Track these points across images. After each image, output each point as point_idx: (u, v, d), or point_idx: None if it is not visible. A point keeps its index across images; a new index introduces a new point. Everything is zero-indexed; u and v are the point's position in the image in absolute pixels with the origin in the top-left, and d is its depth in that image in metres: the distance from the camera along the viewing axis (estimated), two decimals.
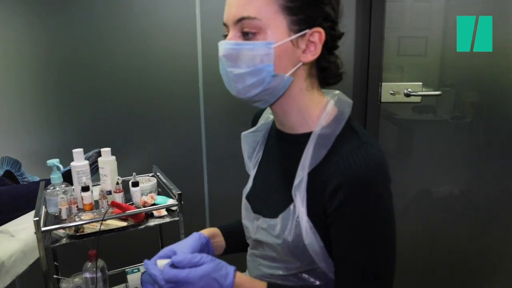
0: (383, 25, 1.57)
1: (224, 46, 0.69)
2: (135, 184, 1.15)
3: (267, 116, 0.89)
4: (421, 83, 1.63)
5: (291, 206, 0.72)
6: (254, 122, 0.93)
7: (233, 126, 1.72)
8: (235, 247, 0.95)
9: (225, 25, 0.71)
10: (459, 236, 1.78)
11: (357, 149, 0.65)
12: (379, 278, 0.68)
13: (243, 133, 0.90)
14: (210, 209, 1.80)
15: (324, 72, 0.73)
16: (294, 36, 0.66)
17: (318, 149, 0.69)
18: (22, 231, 1.18)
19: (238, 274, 0.70)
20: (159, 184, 1.29)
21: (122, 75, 1.63)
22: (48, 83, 1.63)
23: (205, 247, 0.82)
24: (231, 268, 0.69)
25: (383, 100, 1.64)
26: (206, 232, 0.89)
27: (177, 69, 1.64)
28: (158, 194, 1.27)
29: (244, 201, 0.87)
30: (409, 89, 1.62)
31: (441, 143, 1.72)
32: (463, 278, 1.83)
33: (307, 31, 0.66)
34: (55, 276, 1.25)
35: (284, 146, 0.79)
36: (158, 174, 1.33)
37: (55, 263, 1.33)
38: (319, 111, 0.73)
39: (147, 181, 1.26)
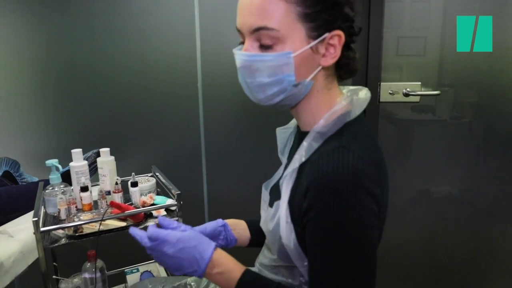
0: (382, 25, 1.57)
1: (241, 57, 0.67)
2: (134, 184, 1.15)
3: None
4: (419, 83, 1.63)
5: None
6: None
7: (232, 126, 1.72)
8: (261, 241, 0.92)
9: (239, 31, 0.69)
10: (458, 235, 1.78)
11: (332, 152, 0.62)
12: None
13: (278, 129, 0.90)
14: (209, 209, 1.80)
15: (343, 69, 0.72)
16: (313, 43, 0.65)
17: (310, 146, 0.68)
18: (21, 232, 1.18)
19: (219, 251, 0.72)
20: (158, 184, 1.29)
21: (121, 76, 1.63)
22: (47, 84, 1.62)
23: (221, 230, 0.89)
24: (212, 244, 0.71)
25: (382, 100, 1.64)
26: (228, 220, 0.93)
27: (176, 70, 1.64)
28: (157, 194, 1.27)
29: (263, 192, 0.87)
30: (408, 89, 1.62)
31: (440, 143, 1.72)
32: (462, 278, 1.83)
33: (326, 35, 0.65)
34: (54, 276, 1.25)
35: (298, 143, 0.80)
36: (157, 174, 1.33)
37: (54, 263, 1.33)
38: (328, 110, 0.71)
39: (146, 181, 1.26)
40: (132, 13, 1.58)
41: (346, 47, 0.69)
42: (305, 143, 0.69)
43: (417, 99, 1.63)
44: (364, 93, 0.75)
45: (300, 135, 0.78)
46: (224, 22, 1.59)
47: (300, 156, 0.69)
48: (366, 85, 1.62)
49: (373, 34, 1.58)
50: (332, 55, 0.67)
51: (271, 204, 0.79)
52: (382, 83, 1.63)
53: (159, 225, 0.75)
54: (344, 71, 0.72)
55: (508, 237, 1.77)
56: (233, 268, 0.71)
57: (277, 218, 0.71)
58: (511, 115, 1.65)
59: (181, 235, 0.70)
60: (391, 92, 1.63)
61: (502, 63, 1.60)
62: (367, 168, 0.61)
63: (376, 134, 1.66)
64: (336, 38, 0.66)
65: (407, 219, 1.77)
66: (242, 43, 0.69)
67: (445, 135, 1.72)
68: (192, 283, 0.99)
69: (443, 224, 1.77)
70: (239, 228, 0.93)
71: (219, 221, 0.89)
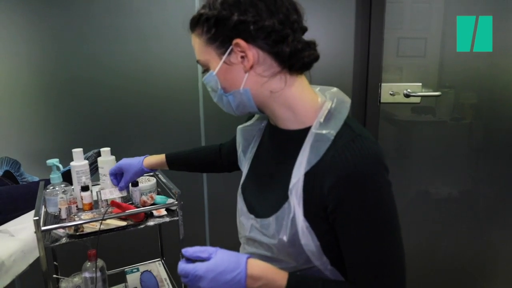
0: (382, 26, 1.57)
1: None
2: (135, 183, 1.15)
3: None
4: (420, 84, 1.63)
5: (285, 205, 0.71)
6: (250, 117, 0.94)
7: (232, 125, 1.72)
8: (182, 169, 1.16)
9: None
10: (458, 237, 1.78)
11: (352, 142, 0.65)
12: (391, 272, 0.66)
13: (239, 127, 0.94)
14: (209, 208, 1.81)
15: (294, 65, 0.72)
16: (224, 57, 0.71)
17: (316, 148, 0.68)
18: (22, 231, 1.18)
19: (253, 262, 0.68)
20: (159, 183, 1.29)
21: (122, 75, 1.63)
22: (48, 83, 1.63)
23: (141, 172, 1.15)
24: (242, 260, 0.67)
25: (382, 100, 1.65)
26: (151, 163, 1.15)
27: (177, 70, 1.65)
28: (158, 193, 1.27)
29: (239, 198, 0.87)
30: (409, 90, 1.63)
31: (440, 144, 1.72)
32: (461, 279, 1.83)
33: (230, 47, 0.70)
34: (54, 275, 1.25)
35: (278, 143, 0.79)
36: (157, 173, 1.33)
37: (55, 262, 1.33)
38: (311, 108, 0.73)
39: (146, 181, 1.26)
40: (133, 13, 1.59)
41: (274, 43, 0.69)
42: (307, 147, 0.69)
43: (417, 100, 1.64)
44: (338, 90, 0.78)
45: (279, 134, 0.78)
46: None
47: (306, 161, 0.69)
48: (366, 86, 1.63)
49: (374, 35, 1.58)
50: (247, 60, 0.70)
51: (260, 214, 0.78)
52: (382, 84, 1.63)
53: (187, 258, 0.70)
54: (296, 65, 0.72)
55: (508, 238, 1.77)
56: (275, 277, 0.68)
57: (290, 228, 0.70)
58: (511, 117, 1.65)
59: (207, 265, 0.66)
60: (391, 93, 1.63)
61: (502, 63, 1.61)
62: (381, 150, 0.67)
63: (377, 135, 1.67)
64: (239, 45, 0.69)
65: (406, 219, 1.76)
66: None
67: (445, 136, 1.72)
68: None
69: (442, 225, 1.77)
70: (158, 166, 1.17)
71: (143, 170, 1.14)
